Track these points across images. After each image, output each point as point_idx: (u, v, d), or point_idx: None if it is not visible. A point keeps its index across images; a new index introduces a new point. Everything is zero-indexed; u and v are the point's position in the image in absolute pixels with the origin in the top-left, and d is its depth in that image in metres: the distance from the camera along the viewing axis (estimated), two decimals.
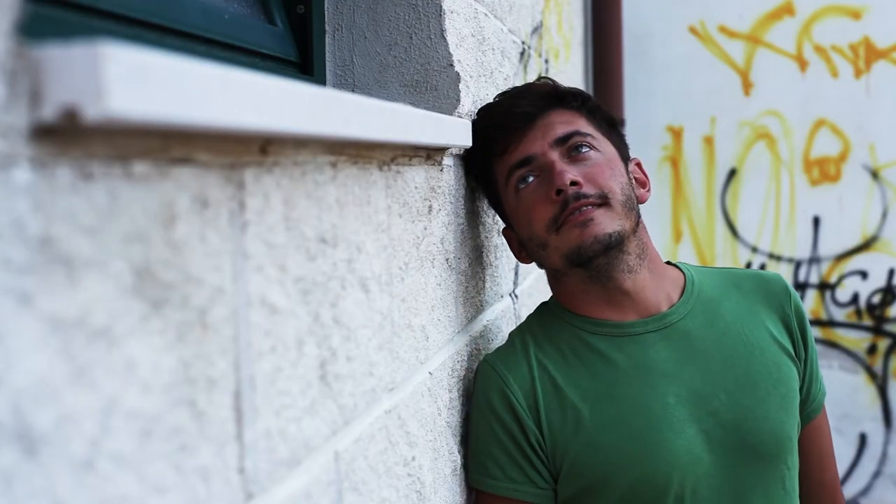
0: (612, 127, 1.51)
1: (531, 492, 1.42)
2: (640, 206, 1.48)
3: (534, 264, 1.55)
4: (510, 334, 1.53)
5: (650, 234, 1.52)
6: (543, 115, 1.44)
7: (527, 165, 1.42)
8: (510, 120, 1.44)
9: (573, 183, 1.36)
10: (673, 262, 1.56)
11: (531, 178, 1.41)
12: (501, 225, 1.60)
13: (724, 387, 1.40)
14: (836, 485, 1.56)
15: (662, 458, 1.36)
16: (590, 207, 1.36)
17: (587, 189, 1.37)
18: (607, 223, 1.36)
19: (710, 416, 1.38)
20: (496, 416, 1.41)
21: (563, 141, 1.41)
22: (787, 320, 1.47)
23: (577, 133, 1.42)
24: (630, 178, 1.46)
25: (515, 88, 1.57)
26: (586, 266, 1.40)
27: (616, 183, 1.39)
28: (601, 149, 1.43)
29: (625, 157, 1.49)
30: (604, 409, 1.39)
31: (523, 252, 1.52)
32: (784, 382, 1.42)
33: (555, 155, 1.40)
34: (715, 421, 1.38)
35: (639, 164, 1.54)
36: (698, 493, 1.36)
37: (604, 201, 1.37)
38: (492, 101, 1.56)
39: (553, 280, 1.53)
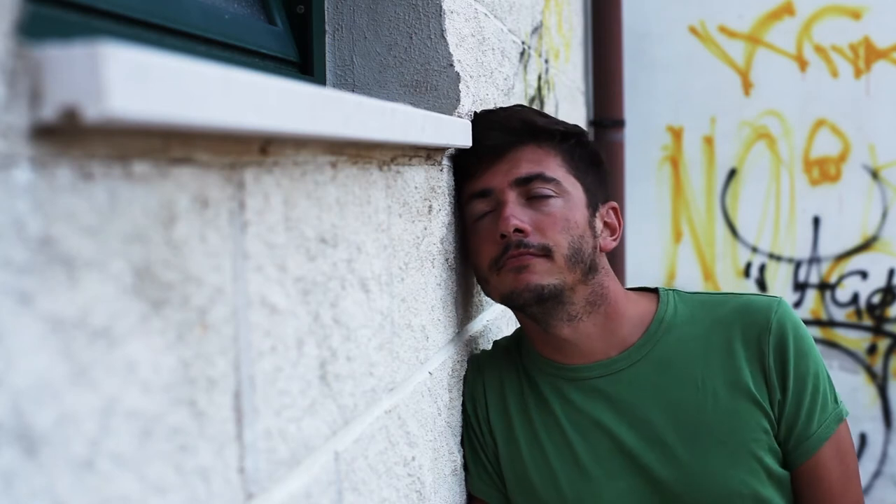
0: (595, 166, 1.44)
1: (497, 496, 1.47)
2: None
3: None
4: (494, 342, 1.56)
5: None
6: (513, 149, 1.39)
7: (484, 197, 1.39)
8: (478, 148, 1.41)
9: (518, 230, 1.32)
10: (662, 289, 1.48)
11: (488, 211, 1.38)
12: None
13: (661, 440, 1.35)
14: None
15: None
16: (529, 256, 1.32)
17: (532, 239, 1.32)
18: (543, 275, 1.32)
19: (643, 471, 1.35)
20: (465, 413, 1.48)
21: (523, 182, 1.36)
22: (763, 358, 1.35)
23: (539, 176, 1.36)
24: (592, 228, 1.39)
25: (496, 113, 1.49)
26: (522, 311, 1.40)
27: (565, 236, 1.34)
28: (565, 195, 1.37)
29: (595, 203, 1.42)
30: (537, 449, 1.42)
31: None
32: (738, 432, 1.33)
33: (511, 195, 1.35)
34: (647, 476, 1.35)
35: (614, 209, 1.47)
36: None
37: (545, 253, 1.33)
38: (480, 113, 1.50)
39: None
